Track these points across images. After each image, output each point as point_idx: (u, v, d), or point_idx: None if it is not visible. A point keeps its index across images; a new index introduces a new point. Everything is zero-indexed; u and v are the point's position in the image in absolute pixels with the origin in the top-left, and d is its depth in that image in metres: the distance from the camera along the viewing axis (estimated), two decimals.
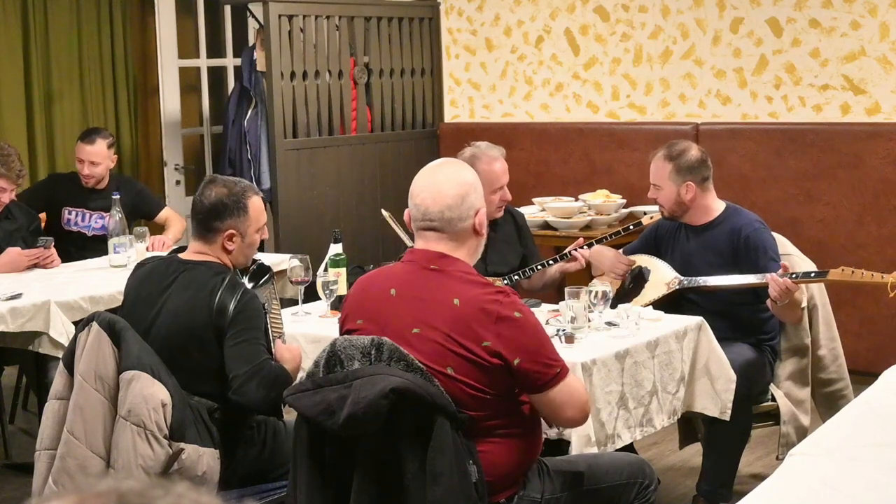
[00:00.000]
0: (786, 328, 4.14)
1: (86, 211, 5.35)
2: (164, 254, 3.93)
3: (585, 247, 4.26)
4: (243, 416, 3.24)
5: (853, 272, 3.74)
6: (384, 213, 4.23)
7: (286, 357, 3.28)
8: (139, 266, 3.40)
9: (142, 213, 5.55)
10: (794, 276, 3.82)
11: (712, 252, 4.07)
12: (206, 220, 3.21)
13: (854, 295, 5.42)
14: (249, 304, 3.13)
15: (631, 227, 4.48)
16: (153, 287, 3.24)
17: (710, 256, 4.07)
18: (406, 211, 2.80)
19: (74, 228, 5.34)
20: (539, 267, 4.27)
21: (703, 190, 4.07)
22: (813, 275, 3.90)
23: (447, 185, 2.72)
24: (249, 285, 3.29)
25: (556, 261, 4.28)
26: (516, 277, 4.20)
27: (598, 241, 4.40)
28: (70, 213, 5.34)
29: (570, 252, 4.25)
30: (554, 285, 4.49)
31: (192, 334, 3.13)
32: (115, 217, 4.95)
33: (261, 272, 3.38)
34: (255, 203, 3.26)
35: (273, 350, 3.28)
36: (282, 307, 4.10)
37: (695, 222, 4.13)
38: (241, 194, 3.23)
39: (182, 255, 3.31)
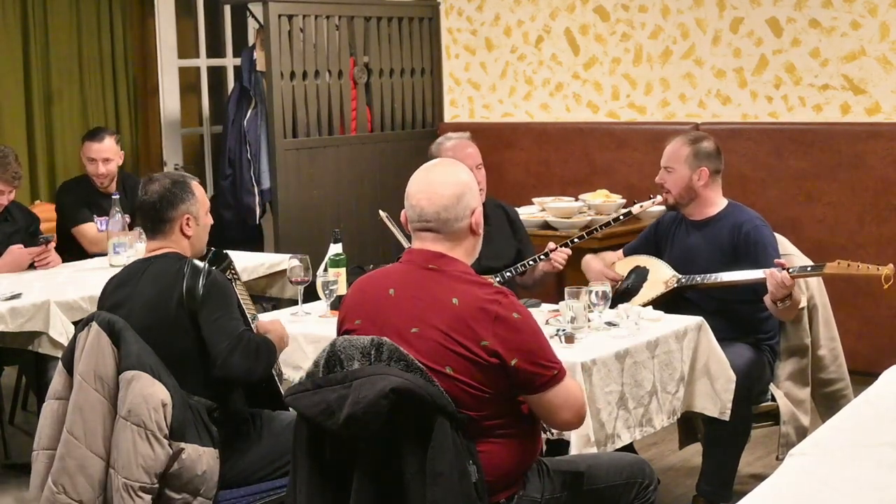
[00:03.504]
0: (785, 328, 4.14)
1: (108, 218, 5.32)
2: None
3: (561, 247, 4.25)
4: (238, 410, 3.25)
5: (849, 265, 3.76)
6: (382, 213, 4.23)
7: (269, 328, 3.35)
8: (112, 278, 3.42)
9: None
10: (791, 270, 3.83)
11: (712, 247, 4.07)
12: (160, 212, 3.28)
13: (854, 295, 5.42)
14: (217, 282, 3.18)
15: (621, 216, 4.45)
16: (123, 289, 3.28)
17: (711, 251, 4.07)
18: (402, 212, 2.80)
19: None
20: (530, 263, 4.27)
21: (713, 182, 4.11)
22: (810, 269, 3.91)
23: (442, 186, 2.72)
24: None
25: (538, 259, 4.27)
26: (508, 275, 4.20)
27: (591, 232, 4.38)
28: (100, 222, 5.28)
29: (545, 255, 4.24)
30: (545, 283, 4.49)
31: (167, 324, 3.15)
32: (115, 217, 4.96)
33: (219, 259, 3.42)
34: (198, 186, 3.37)
35: (253, 326, 3.32)
36: (281, 307, 4.10)
37: (696, 217, 4.15)
38: (183, 180, 3.34)
39: (143, 256, 3.37)
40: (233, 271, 3.46)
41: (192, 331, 3.15)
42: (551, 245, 4.26)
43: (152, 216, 3.30)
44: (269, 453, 3.25)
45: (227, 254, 3.47)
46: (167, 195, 3.28)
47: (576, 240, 4.32)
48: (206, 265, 3.25)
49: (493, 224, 4.42)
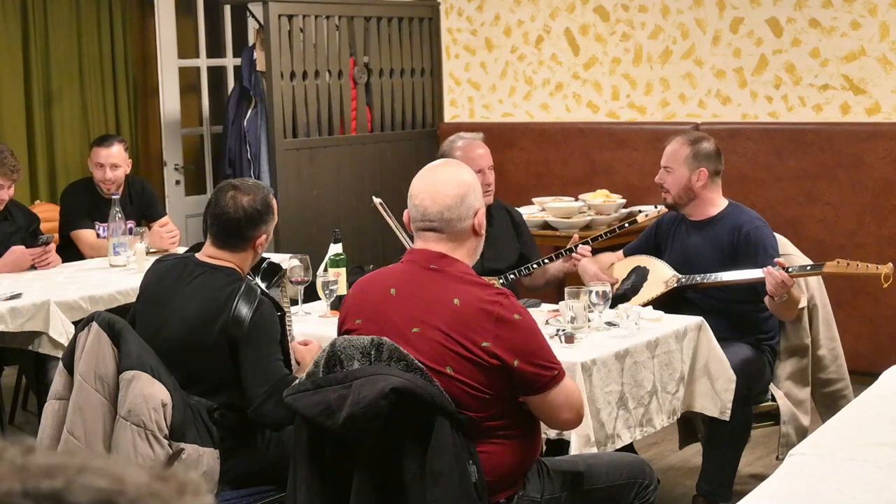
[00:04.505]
0: (786, 328, 4.14)
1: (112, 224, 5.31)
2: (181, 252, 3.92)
3: (583, 244, 4.26)
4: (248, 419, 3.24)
5: (848, 264, 3.77)
6: (375, 200, 4.20)
7: (307, 360, 3.26)
8: (158, 262, 3.37)
9: (146, 216, 5.54)
10: (790, 269, 3.83)
11: (712, 247, 4.07)
12: (242, 230, 3.16)
13: (854, 295, 5.42)
14: (265, 316, 3.10)
15: (626, 224, 4.48)
16: (169, 286, 3.22)
17: (710, 252, 4.07)
18: (405, 212, 2.80)
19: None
20: (539, 264, 4.26)
21: (713, 182, 4.10)
22: (809, 268, 3.91)
23: (446, 186, 2.72)
24: (263, 284, 3.28)
25: (556, 258, 4.27)
26: (512, 277, 4.19)
27: (595, 239, 4.40)
28: (101, 229, 5.25)
29: (568, 250, 4.24)
30: (556, 283, 4.49)
31: (203, 339, 3.10)
32: (114, 218, 4.95)
33: (272, 271, 3.35)
34: (274, 202, 3.28)
35: (291, 352, 3.26)
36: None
37: (696, 217, 4.15)
38: (266, 198, 3.22)
39: (198, 256, 3.27)
40: (283, 287, 3.41)
41: (226, 353, 3.09)
42: (576, 237, 4.26)
43: (231, 231, 3.16)
44: (275, 461, 3.24)
45: (279, 265, 3.38)
46: (255, 215, 3.16)
47: (590, 241, 4.34)
48: (259, 292, 3.13)
49: (498, 226, 4.41)
